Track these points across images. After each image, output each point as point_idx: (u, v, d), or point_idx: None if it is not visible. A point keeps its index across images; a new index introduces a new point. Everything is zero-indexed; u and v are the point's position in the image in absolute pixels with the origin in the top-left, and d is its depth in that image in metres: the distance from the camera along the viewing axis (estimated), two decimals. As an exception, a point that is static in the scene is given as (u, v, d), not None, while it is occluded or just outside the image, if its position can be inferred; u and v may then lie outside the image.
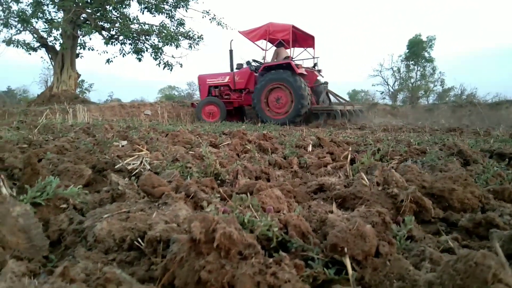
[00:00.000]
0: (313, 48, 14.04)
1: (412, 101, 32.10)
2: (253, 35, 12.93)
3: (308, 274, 1.16)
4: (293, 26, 12.53)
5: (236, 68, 14.02)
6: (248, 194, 1.69)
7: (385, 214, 1.59)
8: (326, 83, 13.97)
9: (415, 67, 40.33)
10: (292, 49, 13.26)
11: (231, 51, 14.22)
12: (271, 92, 12.41)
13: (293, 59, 12.87)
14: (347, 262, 1.16)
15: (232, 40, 13.89)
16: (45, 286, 0.80)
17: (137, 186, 1.81)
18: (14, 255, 1.23)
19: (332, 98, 14.35)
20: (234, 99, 13.90)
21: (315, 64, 14.14)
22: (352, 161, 3.02)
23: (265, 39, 13.04)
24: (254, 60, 14.36)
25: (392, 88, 40.62)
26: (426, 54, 39.44)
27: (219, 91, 14.04)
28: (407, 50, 39.73)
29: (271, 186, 2.04)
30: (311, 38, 13.69)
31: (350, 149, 2.69)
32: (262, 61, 13.98)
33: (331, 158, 3.62)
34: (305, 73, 12.56)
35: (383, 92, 40.78)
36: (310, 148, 4.15)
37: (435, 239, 1.59)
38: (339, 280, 1.18)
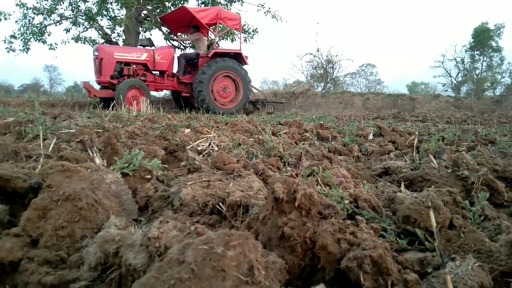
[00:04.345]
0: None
1: (477, 93, 30.18)
2: (203, 14, 11.61)
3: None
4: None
5: (140, 45, 11.86)
6: (315, 172, 1.74)
7: (455, 193, 1.58)
8: None
9: (481, 57, 37.87)
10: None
11: (133, 22, 13.06)
12: (216, 80, 11.49)
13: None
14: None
15: (132, 11, 12.75)
16: (153, 229, 0.91)
17: (210, 162, 1.93)
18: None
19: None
20: (150, 82, 11.34)
21: None
22: (417, 149, 2.97)
23: (215, 23, 12.05)
24: (172, 39, 12.80)
25: (455, 79, 38.46)
26: (494, 44, 36.91)
27: (132, 70, 10.98)
28: (472, 40, 37.39)
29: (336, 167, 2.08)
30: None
31: (416, 133, 2.65)
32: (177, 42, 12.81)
33: (394, 147, 3.57)
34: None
35: (445, 84, 38.73)
36: (370, 137, 4.11)
37: (510, 220, 1.56)
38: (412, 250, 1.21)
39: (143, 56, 11.22)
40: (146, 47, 11.54)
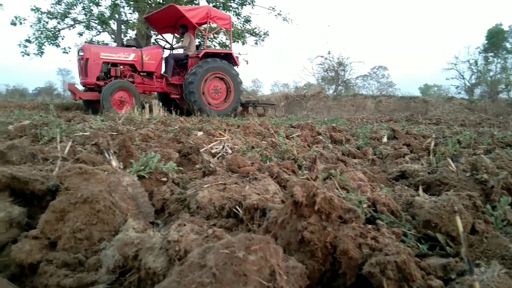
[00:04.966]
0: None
1: (491, 95, 29.73)
2: (192, 14, 11.08)
3: (401, 247, 1.17)
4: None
5: (126, 45, 11.38)
6: (332, 175, 1.72)
7: (475, 197, 1.54)
8: None
9: (495, 59, 37.31)
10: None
11: (119, 21, 12.61)
12: (207, 81, 10.98)
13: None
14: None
15: (119, 11, 12.26)
16: (172, 232, 0.90)
17: (225, 165, 1.92)
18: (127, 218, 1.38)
19: None
20: (138, 84, 10.77)
21: None
22: (433, 152, 2.93)
23: (205, 23, 11.66)
24: (158, 40, 12.24)
25: (468, 82, 37.93)
26: (508, 45, 36.35)
27: (119, 71, 10.48)
28: (486, 41, 36.86)
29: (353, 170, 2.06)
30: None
31: (433, 135, 2.61)
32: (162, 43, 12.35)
33: (409, 150, 3.52)
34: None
35: (458, 87, 38.19)
36: (385, 140, 4.07)
37: (533, 225, 1.52)
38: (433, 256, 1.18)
39: (131, 57, 10.72)
40: (133, 48, 11.13)
